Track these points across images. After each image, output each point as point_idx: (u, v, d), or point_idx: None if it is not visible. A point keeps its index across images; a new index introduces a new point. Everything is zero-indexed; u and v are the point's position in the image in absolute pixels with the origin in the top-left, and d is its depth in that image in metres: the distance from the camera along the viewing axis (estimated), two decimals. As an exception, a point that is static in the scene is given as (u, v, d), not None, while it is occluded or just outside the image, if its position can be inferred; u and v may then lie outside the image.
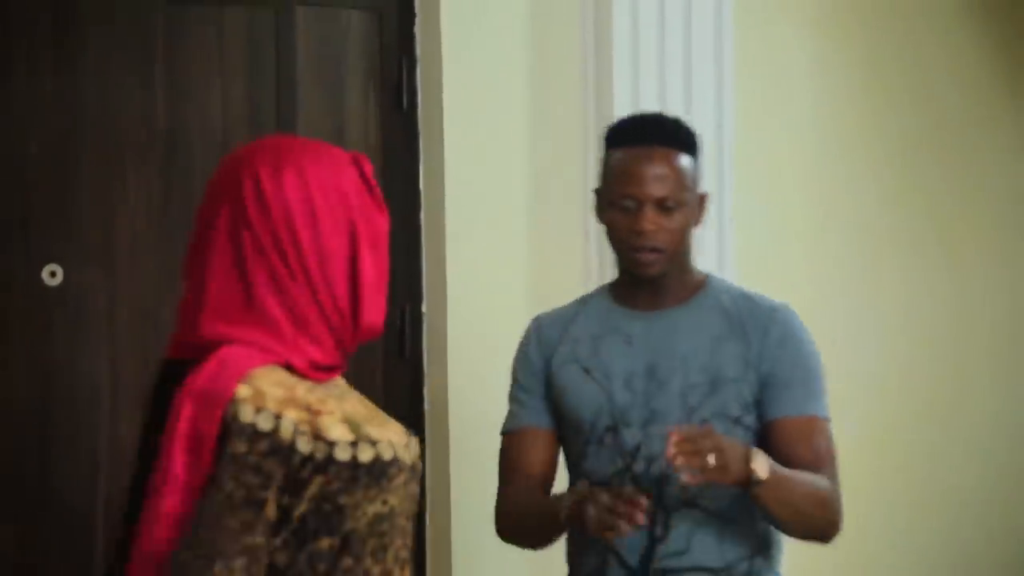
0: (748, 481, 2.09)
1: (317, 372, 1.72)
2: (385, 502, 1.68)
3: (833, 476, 2.22)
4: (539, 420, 2.35)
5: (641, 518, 2.05)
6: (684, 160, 2.24)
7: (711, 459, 2.03)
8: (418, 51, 3.26)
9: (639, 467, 2.22)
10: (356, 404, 1.74)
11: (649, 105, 3.17)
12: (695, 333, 2.25)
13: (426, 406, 3.26)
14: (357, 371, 3.16)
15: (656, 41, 3.17)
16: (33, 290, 2.99)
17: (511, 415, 2.40)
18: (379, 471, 1.68)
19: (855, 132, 3.62)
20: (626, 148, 2.25)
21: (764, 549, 2.26)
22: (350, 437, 1.67)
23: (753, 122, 3.37)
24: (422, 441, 3.24)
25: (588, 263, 3.22)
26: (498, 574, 3.17)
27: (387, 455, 1.69)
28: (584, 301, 2.40)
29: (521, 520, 2.33)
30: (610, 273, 3.18)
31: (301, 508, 1.66)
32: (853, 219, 3.61)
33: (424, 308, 3.27)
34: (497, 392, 3.20)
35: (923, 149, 3.72)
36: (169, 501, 1.65)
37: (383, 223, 1.73)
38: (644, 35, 3.17)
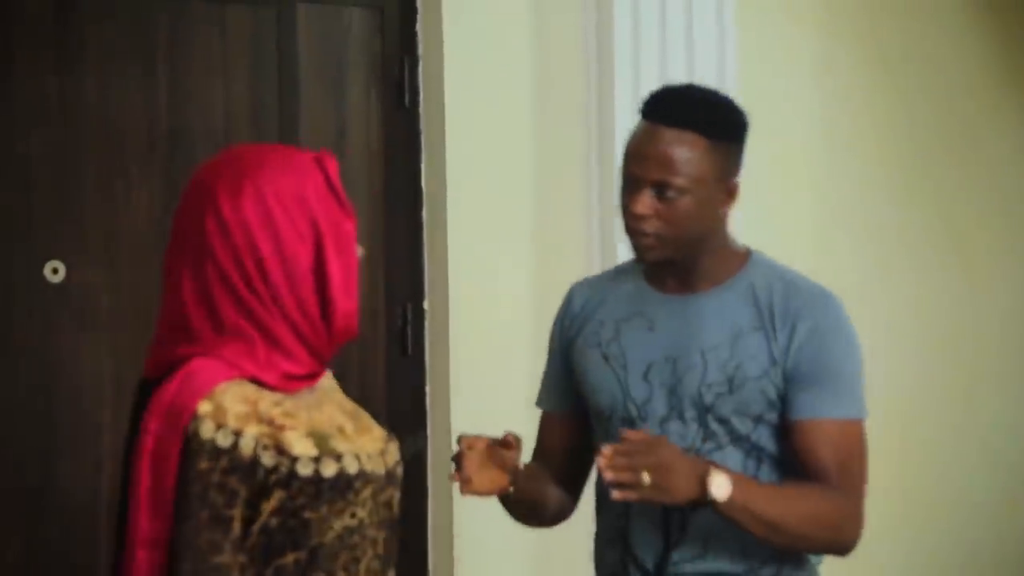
0: (703, 502, 1.94)
1: (291, 382, 1.72)
2: (354, 515, 1.69)
3: (849, 486, 2.03)
4: (554, 403, 2.25)
5: (454, 476, 2.03)
6: (702, 144, 2.01)
7: (646, 477, 1.89)
8: (420, 48, 3.26)
9: None
10: (334, 410, 1.75)
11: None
12: (718, 324, 2.06)
13: (428, 403, 3.26)
14: (360, 369, 3.20)
15: (658, 40, 3.17)
16: (35, 287, 2.99)
17: (539, 391, 2.31)
18: (344, 485, 1.69)
19: (863, 131, 3.61)
20: (643, 122, 2.06)
21: (794, 552, 2.08)
22: (313, 452, 1.68)
23: (758, 122, 3.35)
24: (425, 438, 3.25)
25: (591, 259, 3.23)
26: (501, 572, 3.18)
27: (352, 469, 1.70)
28: (619, 274, 2.22)
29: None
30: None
31: (260, 521, 1.66)
32: (862, 218, 3.61)
33: (426, 305, 3.27)
34: (500, 389, 3.21)
35: (932, 147, 3.72)
36: (141, 522, 1.66)
37: (349, 226, 1.72)
38: (645, 35, 3.17)
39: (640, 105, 2.09)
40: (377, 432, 1.80)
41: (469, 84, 3.21)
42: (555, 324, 2.25)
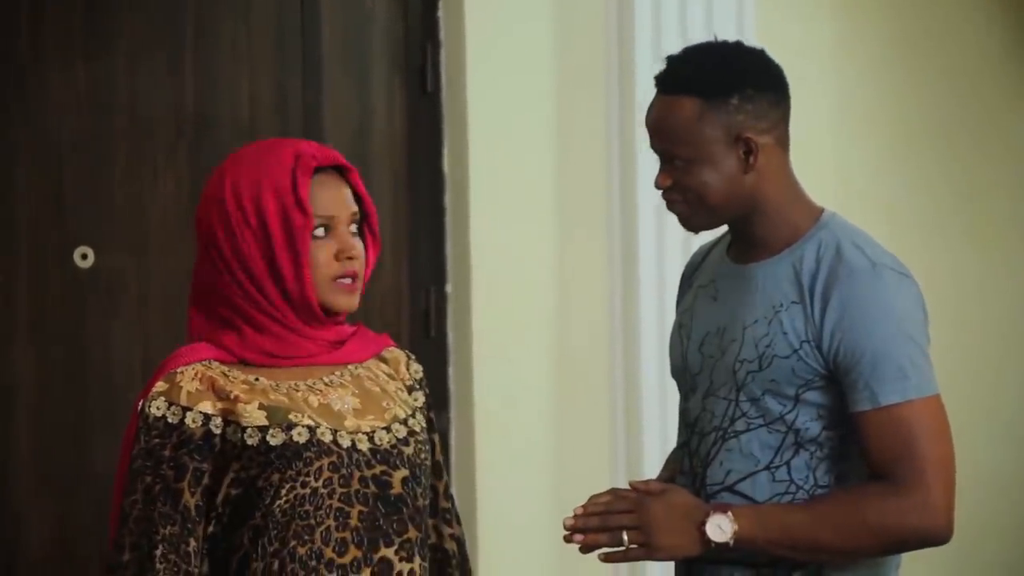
0: (706, 548, 1.83)
1: (279, 360, 1.80)
2: (304, 484, 1.74)
3: (913, 474, 1.83)
4: None
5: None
6: (686, 107, 1.90)
7: (626, 536, 1.82)
8: (442, 34, 3.29)
9: (694, 443, 1.96)
10: (345, 392, 1.82)
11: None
12: (763, 297, 1.91)
13: (451, 386, 3.30)
14: (384, 352, 3.24)
15: (678, 22, 3.19)
16: (65, 271, 3.04)
17: None
18: (292, 454, 1.74)
19: (881, 112, 3.61)
20: None
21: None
22: (262, 423, 1.74)
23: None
24: (447, 420, 3.28)
25: (612, 242, 3.25)
26: (523, 550, 3.21)
27: (301, 439, 1.75)
28: (717, 242, 2.09)
29: None
30: (633, 256, 3.22)
31: (222, 494, 1.74)
32: (877, 201, 3.61)
33: (449, 289, 3.30)
34: (522, 371, 3.24)
35: (951, 130, 3.70)
36: (114, 501, 1.78)
37: (298, 220, 1.78)
38: (666, 17, 3.19)
39: None
40: (389, 415, 1.85)
41: (491, 69, 3.23)
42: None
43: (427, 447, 1.88)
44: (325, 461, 1.76)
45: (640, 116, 3.17)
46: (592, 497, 1.90)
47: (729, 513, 1.84)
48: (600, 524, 1.85)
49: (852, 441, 1.90)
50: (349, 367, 1.86)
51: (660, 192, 1.95)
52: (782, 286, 1.91)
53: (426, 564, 1.82)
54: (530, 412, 3.24)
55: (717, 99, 1.89)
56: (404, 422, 1.86)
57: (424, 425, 1.90)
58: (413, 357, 1.98)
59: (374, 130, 3.25)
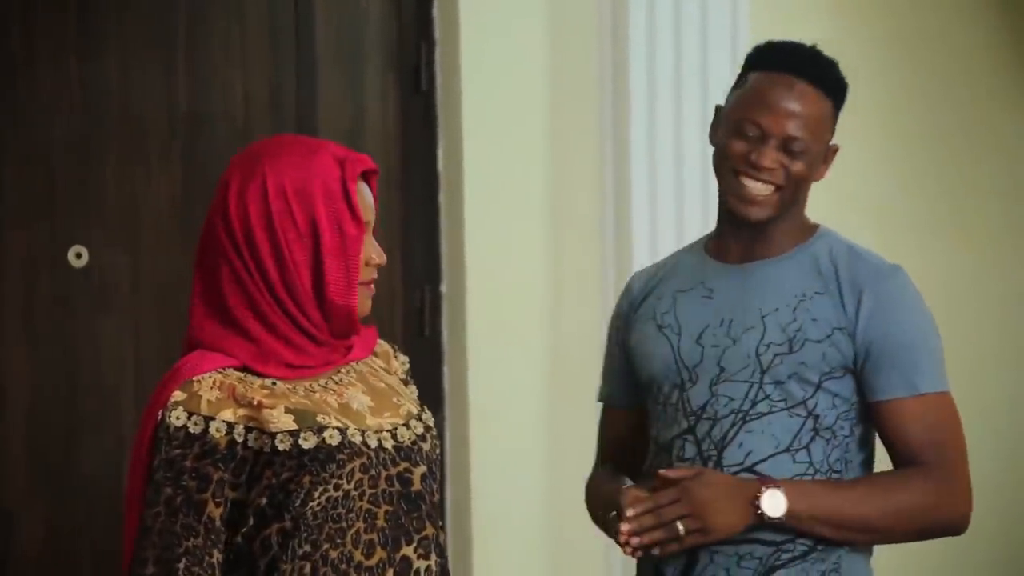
0: (760, 523, 1.88)
1: (294, 371, 1.77)
2: (337, 487, 1.72)
3: (946, 463, 1.93)
4: (614, 397, 2.18)
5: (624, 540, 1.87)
6: (825, 105, 2.00)
7: (680, 528, 1.86)
8: (436, 33, 3.28)
9: (702, 429, 1.98)
10: (356, 391, 1.80)
11: (664, 84, 3.19)
12: (780, 290, 1.98)
13: (445, 386, 3.30)
14: (377, 351, 3.23)
15: (672, 22, 3.19)
16: (59, 271, 3.04)
17: (601, 385, 2.23)
18: (325, 457, 1.72)
19: (871, 114, 3.61)
20: (769, 72, 1.99)
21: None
22: (292, 426, 1.72)
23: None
24: (442, 420, 3.28)
25: (606, 242, 3.25)
26: (517, 554, 3.21)
27: (333, 441, 1.73)
28: (681, 253, 2.16)
29: (588, 501, 2.14)
30: (627, 255, 3.22)
31: (256, 503, 1.71)
32: (869, 203, 3.61)
33: (443, 288, 3.30)
34: (516, 371, 3.24)
35: (942, 130, 3.71)
36: (128, 515, 1.72)
37: (352, 229, 1.75)
38: (661, 17, 3.19)
39: (756, 55, 2.04)
40: (403, 411, 1.84)
41: (485, 68, 3.23)
42: (613, 317, 2.19)
43: (439, 442, 1.88)
44: (357, 463, 1.74)
45: (635, 115, 3.21)
46: (630, 501, 1.90)
47: (781, 487, 1.88)
48: (655, 521, 1.87)
49: (858, 434, 1.98)
50: (352, 364, 1.85)
51: (750, 170, 1.97)
52: (802, 279, 1.99)
53: (438, 560, 1.81)
54: (524, 411, 3.24)
55: (837, 105, 2.05)
56: (419, 417, 1.86)
57: (433, 420, 1.90)
58: (397, 348, 1.99)
59: (368, 129, 3.25)
